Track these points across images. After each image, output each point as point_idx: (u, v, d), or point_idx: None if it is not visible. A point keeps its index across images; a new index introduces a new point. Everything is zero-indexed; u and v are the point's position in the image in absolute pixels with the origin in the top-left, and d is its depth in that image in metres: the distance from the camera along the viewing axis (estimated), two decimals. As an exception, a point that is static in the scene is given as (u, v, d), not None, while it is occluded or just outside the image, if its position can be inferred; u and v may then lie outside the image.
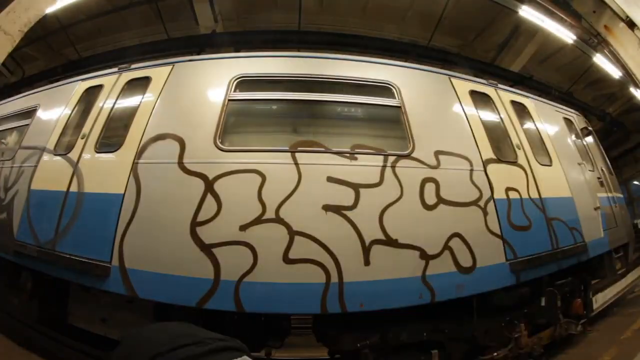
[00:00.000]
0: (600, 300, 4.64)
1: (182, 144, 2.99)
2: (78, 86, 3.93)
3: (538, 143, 4.06)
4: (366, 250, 2.77)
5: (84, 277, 2.95)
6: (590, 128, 5.37)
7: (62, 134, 3.66)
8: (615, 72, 7.70)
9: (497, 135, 3.76)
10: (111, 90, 3.62)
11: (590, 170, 4.62)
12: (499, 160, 3.45)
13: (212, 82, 3.33)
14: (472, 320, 3.22)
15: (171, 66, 3.49)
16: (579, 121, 5.23)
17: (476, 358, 3.29)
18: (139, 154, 3.06)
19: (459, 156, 3.27)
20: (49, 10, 4.43)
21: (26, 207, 3.45)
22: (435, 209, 3.00)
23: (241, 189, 2.82)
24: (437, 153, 3.18)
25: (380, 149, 3.12)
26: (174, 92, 3.33)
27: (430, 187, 3.04)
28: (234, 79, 3.27)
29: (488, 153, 3.42)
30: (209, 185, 2.82)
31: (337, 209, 2.82)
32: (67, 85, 4.12)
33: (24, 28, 3.82)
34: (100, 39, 8.73)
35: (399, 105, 3.33)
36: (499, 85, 4.25)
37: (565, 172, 4.02)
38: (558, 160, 4.05)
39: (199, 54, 6.93)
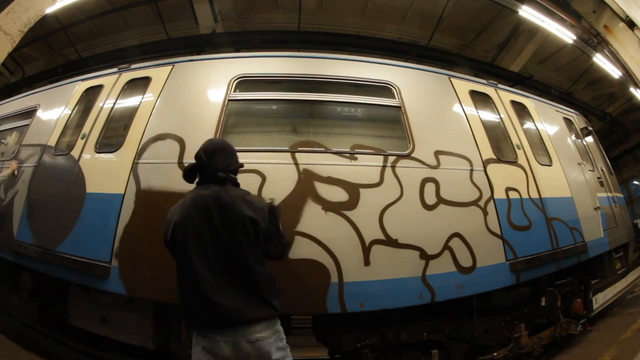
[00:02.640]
0: (600, 300, 4.64)
1: (182, 144, 2.99)
2: (78, 86, 3.93)
3: (538, 143, 4.06)
4: (366, 250, 2.77)
5: (83, 277, 2.95)
6: (590, 128, 5.37)
7: (62, 134, 3.66)
8: (615, 72, 7.70)
9: (497, 135, 3.76)
10: (111, 90, 3.62)
11: (590, 170, 4.62)
12: (499, 160, 3.45)
13: (212, 82, 3.32)
14: (472, 320, 3.22)
15: (171, 66, 3.49)
16: (579, 121, 5.23)
17: (476, 358, 3.29)
18: (139, 154, 3.06)
19: (459, 156, 3.27)
20: (49, 10, 4.41)
21: (26, 207, 3.45)
22: (435, 209, 3.00)
23: (241, 189, 2.81)
24: (437, 153, 3.18)
25: (380, 149, 3.12)
26: (174, 92, 3.33)
27: (430, 187, 3.04)
28: (234, 79, 3.27)
29: (488, 153, 3.42)
30: (209, 185, 2.81)
31: (337, 209, 2.82)
32: (67, 85, 4.12)
33: (24, 28, 3.81)
34: (100, 39, 8.74)
35: (399, 105, 3.33)
36: (499, 85, 4.25)
37: (565, 172, 4.02)
38: (558, 160, 4.05)
39: (199, 54, 6.93)
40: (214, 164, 2.04)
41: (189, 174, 2.08)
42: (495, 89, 4.10)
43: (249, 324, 1.81)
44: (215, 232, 1.88)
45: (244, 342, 1.79)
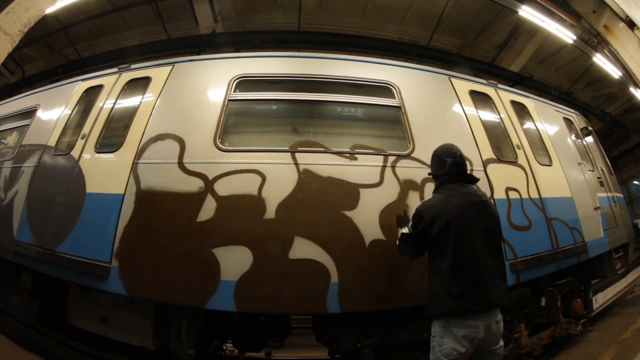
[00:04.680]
0: (600, 300, 4.64)
1: (182, 144, 2.99)
2: (78, 86, 3.93)
3: (538, 143, 4.06)
4: (366, 250, 2.77)
5: (83, 277, 2.95)
6: (590, 128, 5.37)
7: (62, 134, 3.66)
8: (615, 72, 7.70)
9: (497, 135, 3.76)
10: (111, 90, 3.62)
11: (590, 170, 4.62)
12: (498, 160, 3.45)
13: (212, 82, 3.32)
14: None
15: (171, 66, 3.49)
16: (579, 121, 5.23)
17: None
18: (139, 154, 3.06)
19: (459, 156, 3.26)
20: (49, 10, 4.42)
21: (26, 207, 3.45)
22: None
23: (241, 189, 2.81)
24: (437, 153, 3.17)
25: (380, 149, 3.12)
26: (174, 92, 3.33)
27: (430, 187, 3.02)
28: (234, 79, 3.27)
29: (488, 153, 3.42)
30: (209, 185, 2.82)
31: (337, 209, 2.81)
32: (67, 85, 4.12)
33: (24, 28, 3.81)
34: (100, 39, 8.74)
35: (399, 105, 3.33)
36: (499, 85, 4.25)
37: (565, 172, 4.02)
38: (558, 160, 4.05)
39: (199, 54, 6.93)
40: (464, 164, 2.37)
41: (445, 174, 2.33)
42: (495, 89, 4.10)
43: (499, 307, 2.13)
44: (484, 226, 2.17)
45: (493, 323, 2.09)
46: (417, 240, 2.28)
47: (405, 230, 2.43)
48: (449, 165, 2.31)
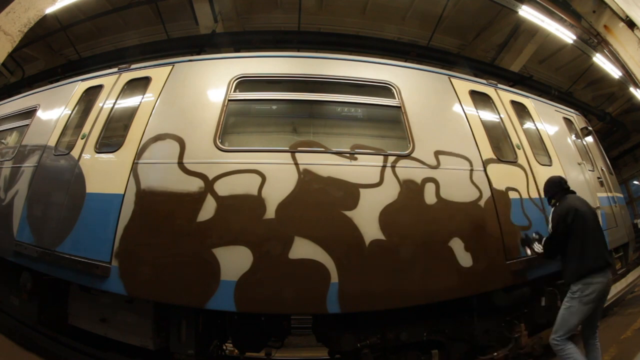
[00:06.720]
0: (600, 300, 4.61)
1: (182, 144, 2.99)
2: (78, 86, 3.93)
3: (538, 143, 4.06)
4: (366, 250, 2.77)
5: (83, 277, 2.95)
6: (590, 128, 5.37)
7: (62, 134, 3.66)
8: (615, 72, 7.70)
9: (497, 135, 3.76)
10: (111, 90, 3.62)
11: (590, 170, 4.62)
12: (498, 160, 3.45)
13: (212, 82, 3.33)
14: (472, 320, 3.22)
15: (171, 66, 3.49)
16: (578, 121, 5.23)
17: (476, 358, 3.29)
18: (139, 154, 3.06)
19: (459, 156, 3.27)
20: (49, 10, 4.42)
21: (26, 207, 3.45)
22: (435, 209, 3.00)
23: (241, 189, 2.82)
24: (437, 153, 3.18)
25: (380, 149, 3.12)
26: (174, 92, 3.33)
27: (430, 187, 3.04)
28: (234, 79, 3.27)
29: (488, 153, 3.42)
30: (209, 185, 2.82)
31: (337, 209, 2.81)
32: (67, 85, 4.12)
33: (24, 28, 3.82)
34: (100, 39, 8.74)
35: (398, 105, 3.33)
36: (499, 85, 4.25)
37: (565, 172, 4.02)
38: (558, 160, 4.05)
39: (199, 54, 6.93)
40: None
41: (562, 190, 3.18)
42: (495, 89, 4.10)
43: (610, 268, 2.94)
44: (593, 217, 3.04)
45: (609, 280, 2.88)
46: (562, 236, 2.96)
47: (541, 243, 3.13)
48: (565, 184, 3.19)
